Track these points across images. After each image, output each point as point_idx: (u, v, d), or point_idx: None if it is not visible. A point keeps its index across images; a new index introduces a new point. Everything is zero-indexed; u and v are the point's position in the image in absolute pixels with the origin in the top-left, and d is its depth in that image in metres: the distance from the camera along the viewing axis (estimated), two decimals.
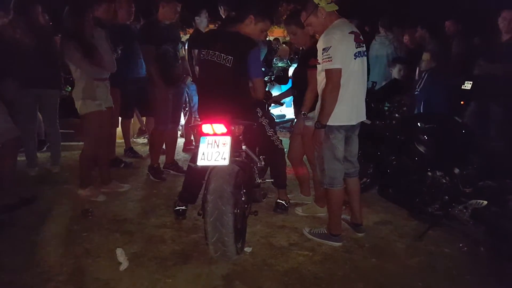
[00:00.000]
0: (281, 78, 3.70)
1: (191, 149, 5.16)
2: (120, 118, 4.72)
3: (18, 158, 3.48)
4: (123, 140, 4.99)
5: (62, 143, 4.47)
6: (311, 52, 2.98)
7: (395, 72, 4.78)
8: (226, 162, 2.45)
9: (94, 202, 3.47)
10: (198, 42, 4.59)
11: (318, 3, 2.58)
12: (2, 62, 3.79)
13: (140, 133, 5.88)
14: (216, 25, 5.39)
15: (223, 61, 2.67)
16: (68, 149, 4.87)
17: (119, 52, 3.92)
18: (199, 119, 4.71)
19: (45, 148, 4.68)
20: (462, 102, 4.86)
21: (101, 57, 3.34)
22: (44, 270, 2.46)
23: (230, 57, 2.66)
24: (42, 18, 3.94)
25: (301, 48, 3.69)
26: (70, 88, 4.90)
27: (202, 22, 4.74)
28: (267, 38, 8.48)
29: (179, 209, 3.18)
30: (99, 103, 3.42)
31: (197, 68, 3.66)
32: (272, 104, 3.93)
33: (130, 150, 4.95)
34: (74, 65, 3.34)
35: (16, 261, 2.54)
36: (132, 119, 5.19)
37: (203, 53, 2.79)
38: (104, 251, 2.69)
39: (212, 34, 3.01)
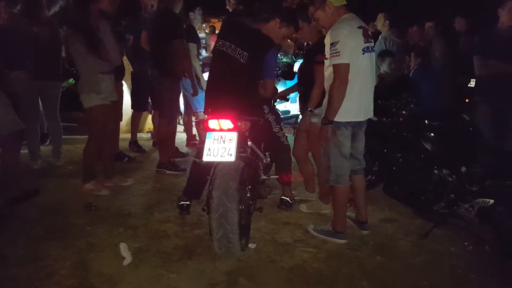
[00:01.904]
0: (287, 74, 3.67)
1: (195, 144, 5.15)
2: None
3: (21, 151, 3.47)
4: (126, 135, 4.97)
5: (65, 137, 4.47)
6: (318, 48, 2.94)
7: (385, 66, 4.71)
8: (232, 158, 2.42)
9: (98, 196, 3.45)
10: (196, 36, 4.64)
11: None
12: (9, 54, 3.78)
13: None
14: (220, 19, 5.36)
15: (237, 56, 2.63)
16: (71, 142, 4.86)
17: (131, 41, 3.93)
18: (200, 112, 4.72)
19: (48, 142, 4.67)
20: (467, 100, 4.83)
21: (106, 50, 3.31)
22: (47, 264, 2.45)
23: (245, 53, 2.62)
24: (45, 12, 3.92)
25: (305, 43, 3.65)
26: (73, 80, 4.89)
27: (196, 18, 4.74)
28: None
29: (183, 204, 3.16)
30: (104, 96, 3.40)
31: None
32: (278, 100, 3.90)
33: (134, 144, 4.93)
34: (79, 58, 3.31)
35: (19, 254, 2.53)
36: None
37: (219, 42, 2.75)
38: (108, 246, 2.68)
39: (231, 26, 2.94)
